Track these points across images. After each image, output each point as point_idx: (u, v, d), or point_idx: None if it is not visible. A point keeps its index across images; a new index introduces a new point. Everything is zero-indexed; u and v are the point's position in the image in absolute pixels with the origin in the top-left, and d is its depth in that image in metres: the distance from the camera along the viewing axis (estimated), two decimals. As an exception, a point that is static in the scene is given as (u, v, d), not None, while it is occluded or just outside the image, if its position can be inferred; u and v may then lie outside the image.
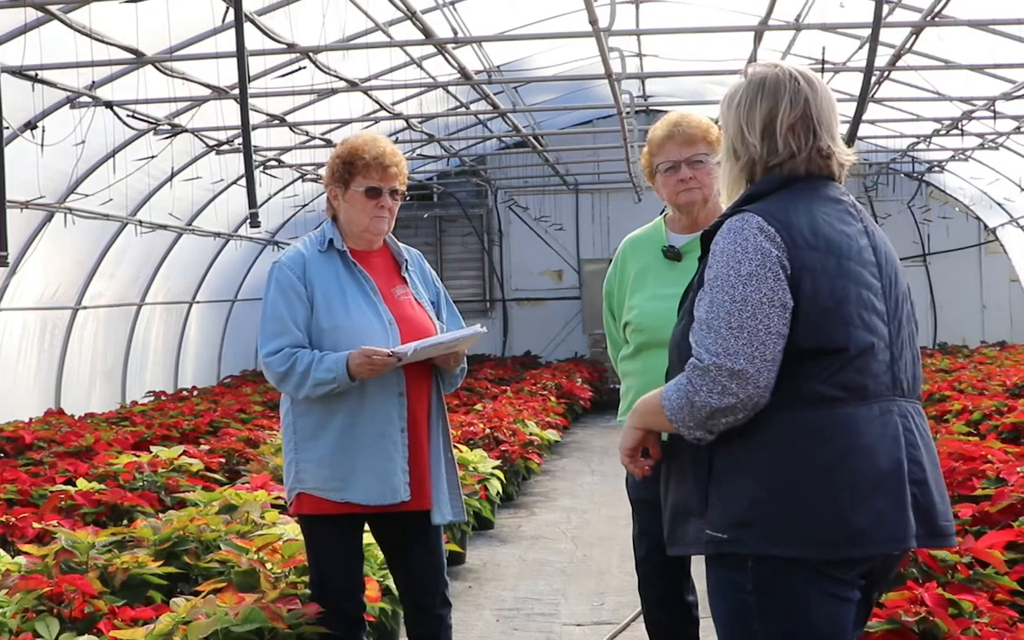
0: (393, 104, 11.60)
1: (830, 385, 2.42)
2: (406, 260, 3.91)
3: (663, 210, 3.97)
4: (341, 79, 9.89)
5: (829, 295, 2.43)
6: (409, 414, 3.71)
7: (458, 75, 10.24)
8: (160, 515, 5.56)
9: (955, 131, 12.72)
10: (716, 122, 2.97)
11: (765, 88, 2.54)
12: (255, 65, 8.72)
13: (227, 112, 10.25)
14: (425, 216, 18.58)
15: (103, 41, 7.87)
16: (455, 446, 4.17)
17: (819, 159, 2.55)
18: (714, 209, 3.79)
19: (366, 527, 3.90)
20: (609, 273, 4.01)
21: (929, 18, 8.67)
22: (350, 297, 3.72)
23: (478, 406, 11.49)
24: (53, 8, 7.31)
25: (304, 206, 15.73)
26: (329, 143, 12.43)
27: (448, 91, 11.75)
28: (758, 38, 9.33)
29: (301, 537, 4.51)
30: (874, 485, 2.42)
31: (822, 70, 9.19)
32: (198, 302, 15.00)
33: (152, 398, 13.07)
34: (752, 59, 9.40)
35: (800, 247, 2.43)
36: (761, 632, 2.46)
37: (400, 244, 3.94)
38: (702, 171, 3.75)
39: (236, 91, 7.92)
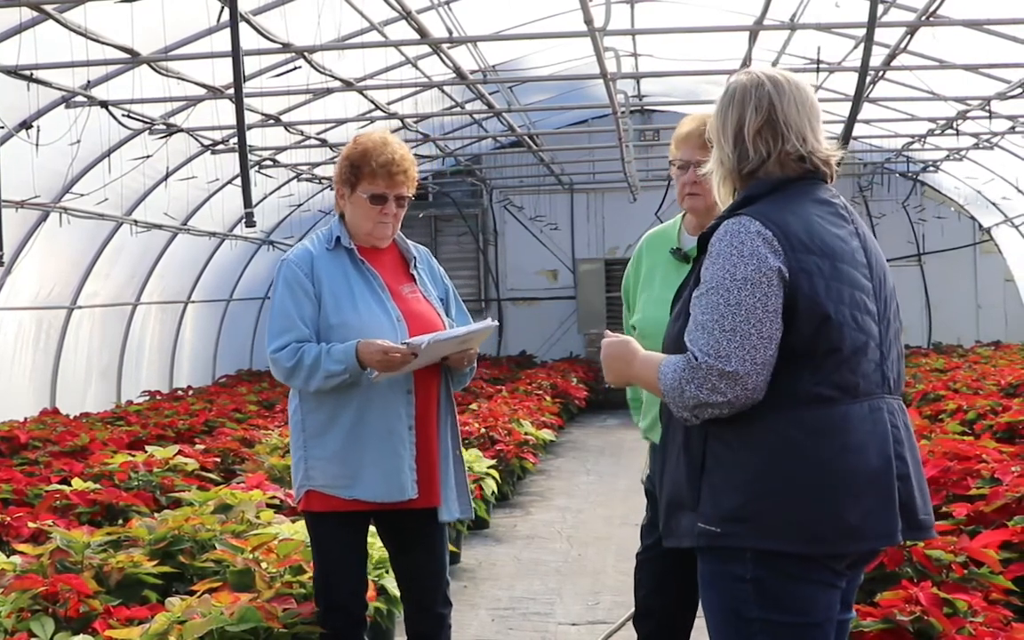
0: (388, 104, 11.59)
1: (825, 385, 2.48)
2: (415, 257, 3.90)
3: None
4: (336, 79, 9.89)
5: (825, 297, 2.48)
6: (417, 412, 3.71)
7: (453, 75, 10.24)
8: (155, 515, 5.56)
9: (950, 131, 12.72)
10: None
11: (735, 97, 2.62)
12: (250, 65, 8.69)
13: (222, 112, 10.24)
14: (420, 216, 18.54)
15: (98, 41, 7.86)
16: None
17: (790, 162, 2.60)
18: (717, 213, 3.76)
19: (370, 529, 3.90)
20: (627, 268, 3.97)
21: (924, 18, 8.67)
22: (358, 294, 3.72)
23: (473, 406, 11.49)
24: (48, 7, 7.30)
25: (299, 206, 15.73)
26: (324, 143, 12.42)
27: (443, 91, 11.74)
28: (753, 38, 9.33)
29: (297, 536, 4.53)
30: (866, 483, 2.48)
31: (817, 70, 9.21)
32: (193, 302, 14.98)
33: (147, 398, 13.06)
34: (747, 59, 9.41)
35: (797, 250, 2.49)
36: (758, 621, 2.50)
37: (408, 241, 3.93)
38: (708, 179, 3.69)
39: (231, 91, 7.91)
